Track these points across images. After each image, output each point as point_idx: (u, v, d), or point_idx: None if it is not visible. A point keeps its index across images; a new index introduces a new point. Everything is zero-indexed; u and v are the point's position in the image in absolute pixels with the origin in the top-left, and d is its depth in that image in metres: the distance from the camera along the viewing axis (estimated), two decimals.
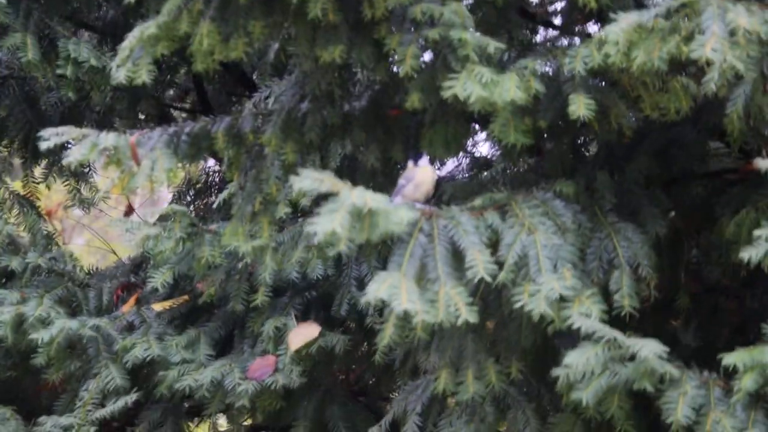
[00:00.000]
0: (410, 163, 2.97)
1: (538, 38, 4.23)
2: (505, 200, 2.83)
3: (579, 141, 3.56)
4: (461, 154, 4.98)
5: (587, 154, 3.56)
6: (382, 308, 2.52)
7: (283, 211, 3.18)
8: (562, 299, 2.62)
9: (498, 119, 2.74)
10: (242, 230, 3.21)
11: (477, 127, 3.94)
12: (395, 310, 2.45)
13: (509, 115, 2.73)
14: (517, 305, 2.62)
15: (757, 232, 2.47)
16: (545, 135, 3.26)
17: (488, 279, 2.58)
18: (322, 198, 2.44)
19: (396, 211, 2.45)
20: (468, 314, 2.51)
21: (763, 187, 3.01)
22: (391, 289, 2.47)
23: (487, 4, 3.10)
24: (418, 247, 2.62)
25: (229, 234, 3.24)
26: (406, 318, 2.52)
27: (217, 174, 6.01)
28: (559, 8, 4.52)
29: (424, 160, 2.94)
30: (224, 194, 3.89)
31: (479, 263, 2.59)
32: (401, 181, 2.95)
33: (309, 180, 2.45)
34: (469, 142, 5.13)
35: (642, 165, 3.19)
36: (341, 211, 2.38)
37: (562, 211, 2.81)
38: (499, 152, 4.61)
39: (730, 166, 3.60)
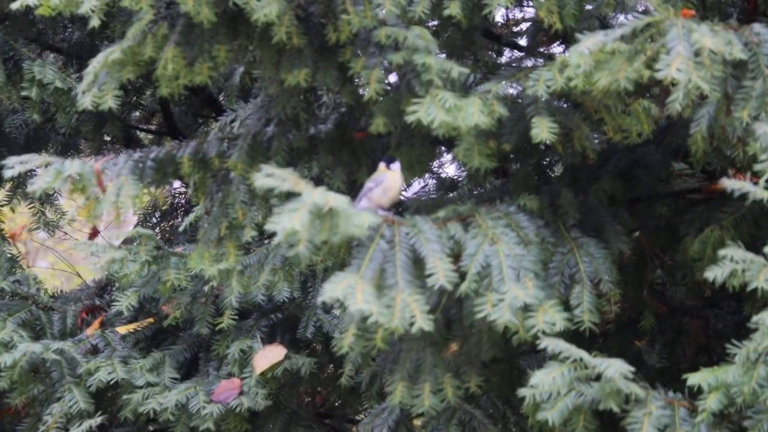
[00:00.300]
0: (381, 165, 2.94)
1: (504, 59, 4.26)
2: (469, 212, 2.83)
3: (544, 162, 3.58)
4: (427, 175, 4.99)
5: (552, 175, 3.58)
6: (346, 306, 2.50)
7: (249, 234, 3.17)
8: (527, 308, 2.62)
9: (462, 144, 2.74)
10: (208, 254, 3.21)
11: (443, 148, 3.96)
12: (350, 309, 2.44)
13: (473, 140, 2.74)
14: (480, 315, 2.62)
15: (722, 252, 2.48)
16: (510, 157, 3.28)
17: (448, 287, 2.57)
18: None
19: (357, 214, 2.45)
20: (423, 322, 2.51)
21: (726, 205, 3.03)
22: (347, 289, 2.46)
23: (452, 26, 3.12)
24: (378, 252, 2.61)
25: (196, 258, 3.24)
26: (365, 327, 2.52)
27: (182, 196, 6.00)
28: (524, 28, 4.56)
29: (396, 165, 2.92)
30: (190, 217, 3.89)
31: (440, 271, 2.59)
32: (369, 183, 2.93)
33: (271, 178, 2.44)
34: (435, 163, 5.15)
35: (606, 185, 3.21)
36: (302, 210, 2.38)
37: (525, 224, 2.81)
38: (465, 173, 4.63)
39: (693, 186, 3.63)
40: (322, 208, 2.39)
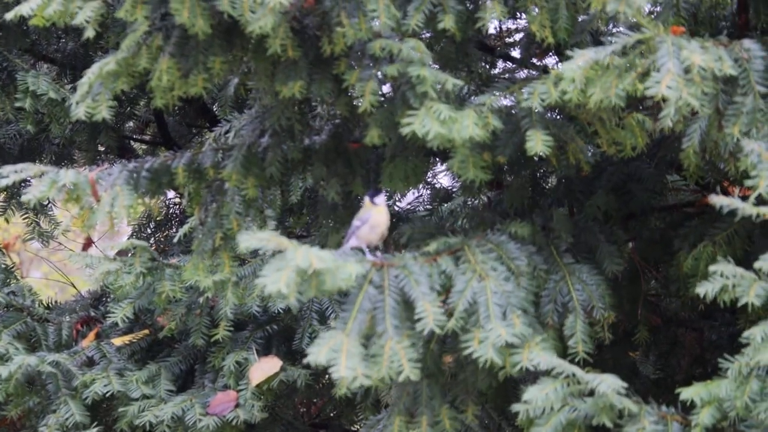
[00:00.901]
0: (366, 200, 2.96)
1: (498, 71, 4.27)
2: (459, 245, 2.85)
3: (538, 174, 3.59)
4: (421, 185, 5.00)
5: (547, 187, 3.59)
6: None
7: (245, 249, 3.17)
8: (511, 346, 2.63)
9: (457, 156, 2.75)
10: (203, 265, 3.21)
11: (437, 159, 3.97)
12: (334, 376, 2.46)
13: (468, 152, 2.74)
14: (467, 352, 2.63)
15: (712, 268, 2.49)
16: (505, 169, 3.28)
17: (438, 331, 2.59)
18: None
19: (344, 266, 2.46)
20: (410, 371, 2.53)
21: (719, 220, 3.04)
22: (330, 354, 2.48)
23: (446, 38, 3.12)
24: (366, 300, 2.62)
25: (190, 269, 3.24)
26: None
27: (177, 206, 6.00)
28: (518, 39, 4.57)
29: (381, 198, 2.93)
30: (185, 228, 3.89)
31: (429, 315, 2.60)
32: (355, 222, 2.94)
33: (255, 240, 2.46)
34: (430, 174, 5.15)
35: (600, 201, 3.22)
36: (287, 270, 2.39)
37: (516, 254, 2.83)
38: (459, 184, 4.63)
39: (687, 199, 3.64)
40: (306, 270, 2.40)
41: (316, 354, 2.47)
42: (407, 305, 2.65)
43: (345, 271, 2.45)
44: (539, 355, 2.62)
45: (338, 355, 2.48)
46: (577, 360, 2.79)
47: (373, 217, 2.89)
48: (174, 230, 5.83)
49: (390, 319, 2.60)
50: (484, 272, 2.73)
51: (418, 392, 2.96)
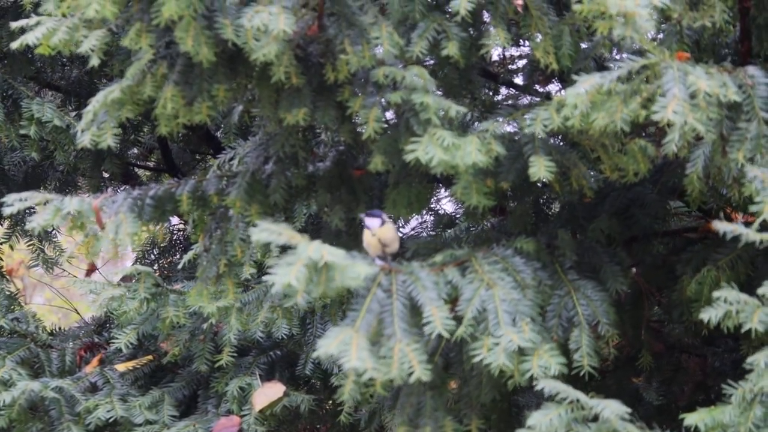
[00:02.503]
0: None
1: (501, 97, 4.29)
2: (466, 256, 2.85)
3: (541, 200, 3.60)
4: (425, 212, 5.01)
5: (550, 213, 3.60)
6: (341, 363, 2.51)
7: (248, 272, 3.19)
8: (521, 352, 2.63)
9: (460, 182, 2.76)
10: (207, 292, 3.22)
11: (441, 185, 3.98)
12: (344, 366, 2.45)
13: (471, 178, 2.75)
14: (476, 359, 2.63)
15: (716, 294, 2.49)
16: (508, 194, 3.29)
17: (445, 335, 2.58)
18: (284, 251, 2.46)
19: (353, 265, 2.45)
20: (421, 372, 2.52)
21: (722, 246, 3.04)
22: (341, 346, 2.46)
23: (450, 65, 3.14)
24: (375, 302, 2.62)
25: (194, 295, 3.24)
26: (361, 374, 2.53)
27: (181, 233, 6.01)
28: (520, 65, 4.59)
29: (372, 222, 2.90)
30: (189, 255, 3.89)
31: (436, 319, 2.60)
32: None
33: (267, 232, 2.45)
34: (433, 200, 5.17)
35: (603, 224, 3.23)
36: (297, 264, 2.38)
37: (522, 268, 2.83)
38: (462, 210, 4.65)
39: (690, 225, 3.65)
40: (317, 262, 2.40)
41: (326, 346, 2.45)
42: (415, 311, 2.64)
43: (354, 269, 2.44)
44: (549, 363, 2.61)
45: (348, 347, 2.46)
46: (582, 374, 2.79)
47: (364, 239, 2.89)
48: (178, 256, 5.84)
49: (398, 322, 2.59)
50: (492, 281, 2.74)
51: (421, 403, 2.96)
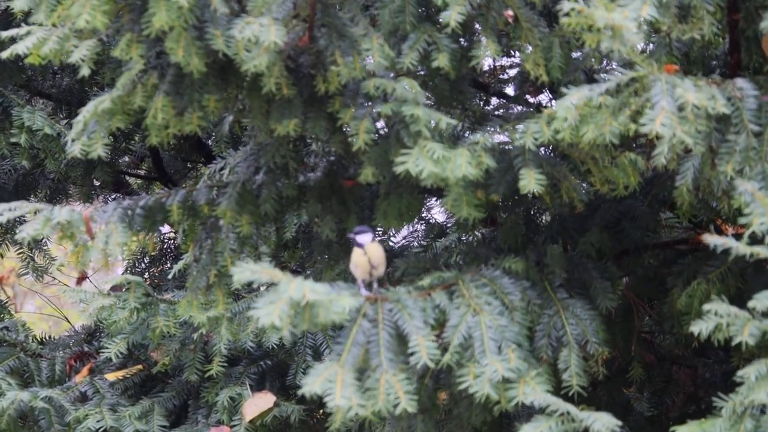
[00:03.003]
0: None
1: (491, 107, 4.29)
2: (453, 279, 2.85)
3: (532, 212, 3.60)
4: (416, 221, 5.00)
5: (540, 225, 3.59)
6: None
7: (238, 282, 3.18)
8: (507, 381, 2.63)
9: (450, 194, 2.76)
10: (197, 302, 3.21)
11: (431, 196, 3.97)
12: (329, 405, 2.45)
13: (461, 190, 2.75)
14: (463, 386, 2.64)
15: (706, 306, 2.49)
16: (499, 206, 3.29)
17: (431, 365, 2.60)
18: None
19: (337, 300, 2.46)
20: (407, 404, 2.52)
21: (713, 258, 3.04)
22: (325, 384, 2.47)
23: (440, 77, 3.14)
24: (360, 334, 2.63)
25: (185, 305, 3.24)
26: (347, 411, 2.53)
27: (172, 242, 6.00)
28: (511, 75, 4.59)
29: (363, 238, 2.88)
30: (180, 264, 3.89)
31: (422, 349, 2.61)
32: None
33: (248, 272, 2.46)
34: (424, 209, 5.17)
35: (594, 238, 3.23)
36: (279, 303, 2.39)
37: (510, 289, 2.83)
38: (453, 220, 4.64)
39: (680, 237, 3.65)
40: (299, 302, 2.40)
41: (311, 384, 2.47)
42: (401, 339, 2.65)
43: (339, 304, 2.46)
44: (535, 390, 2.62)
45: (333, 384, 2.48)
46: (571, 394, 2.79)
47: (353, 258, 2.86)
48: (168, 265, 5.83)
49: (384, 352, 2.60)
50: (479, 307, 2.74)
51: (413, 427, 2.96)
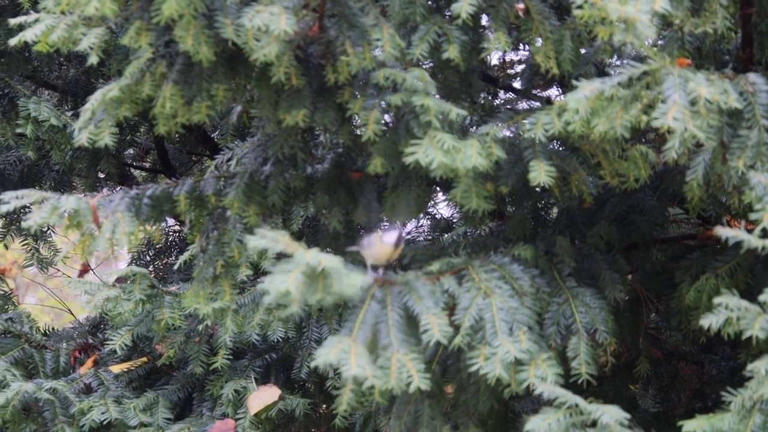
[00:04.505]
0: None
1: (500, 101, 4.28)
2: (462, 265, 2.84)
3: (540, 205, 3.58)
4: (422, 216, 4.99)
5: (548, 218, 3.58)
6: (340, 372, 2.50)
7: (244, 273, 3.17)
8: (518, 362, 2.62)
9: (460, 185, 2.75)
10: (203, 293, 3.19)
11: (439, 189, 3.96)
12: (344, 375, 2.44)
13: (471, 182, 2.74)
14: (473, 369, 2.62)
15: (716, 300, 2.47)
16: (507, 199, 3.28)
17: (444, 342, 2.58)
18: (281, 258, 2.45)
19: (350, 274, 2.46)
20: (420, 381, 2.52)
21: (722, 253, 3.03)
22: (341, 354, 2.47)
23: (450, 69, 3.12)
24: (369, 314, 2.62)
25: (190, 297, 3.22)
26: (361, 383, 2.52)
27: (177, 234, 5.99)
28: (520, 70, 4.58)
29: (390, 235, 2.87)
30: (185, 256, 3.88)
31: (434, 326, 2.60)
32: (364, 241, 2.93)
33: (265, 239, 2.45)
34: (430, 204, 5.15)
35: (602, 231, 3.22)
36: (296, 271, 2.38)
37: (520, 275, 2.82)
38: (460, 215, 4.63)
39: (689, 232, 3.63)
40: (315, 268, 2.39)
41: (326, 355, 2.45)
42: (411, 320, 2.64)
43: (351, 278, 2.45)
44: (546, 373, 2.61)
45: (348, 355, 2.47)
46: (580, 382, 2.78)
47: (375, 250, 2.84)
48: (173, 258, 5.82)
49: (395, 332, 2.60)
50: (489, 289, 2.73)
51: (419, 412, 2.95)
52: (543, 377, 2.61)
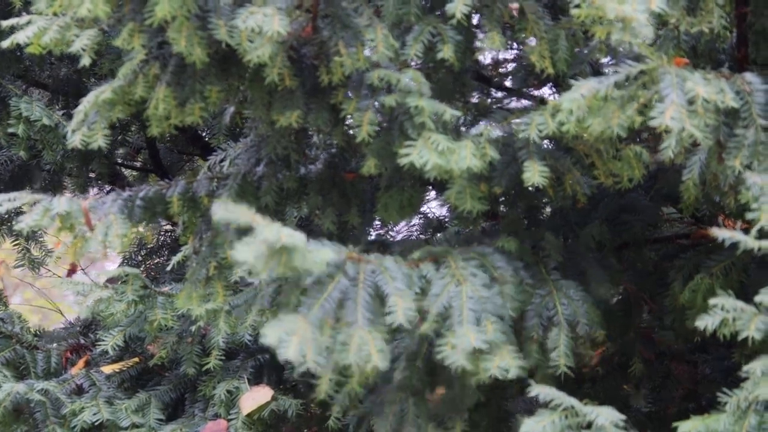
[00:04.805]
0: None
1: (494, 100, 4.28)
2: (443, 253, 2.82)
3: (533, 204, 3.58)
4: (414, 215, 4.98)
5: (542, 218, 3.58)
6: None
7: (237, 274, 3.16)
8: (481, 352, 2.59)
9: (454, 187, 2.74)
10: (196, 294, 3.19)
11: (432, 188, 3.96)
12: (281, 356, 2.39)
13: (465, 183, 2.73)
14: (439, 356, 2.59)
15: (712, 301, 2.47)
16: (501, 200, 3.27)
17: (407, 325, 2.53)
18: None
19: (318, 251, 2.42)
20: (379, 360, 2.47)
21: (715, 252, 3.03)
22: (282, 335, 2.38)
23: (445, 69, 3.12)
24: (337, 290, 2.57)
25: (183, 298, 3.21)
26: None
27: (168, 234, 5.97)
28: (514, 69, 4.58)
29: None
30: (178, 257, 3.86)
31: (399, 309, 2.55)
32: None
33: (226, 212, 2.40)
34: (423, 203, 5.15)
35: (594, 231, 3.21)
36: (256, 244, 2.34)
37: (501, 264, 2.80)
38: (452, 214, 4.63)
39: (683, 231, 3.64)
40: (274, 244, 2.37)
41: (268, 335, 2.38)
42: (381, 301, 2.59)
43: (318, 254, 2.40)
44: (510, 364, 2.58)
45: (290, 338, 2.39)
46: (558, 373, 2.77)
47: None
48: (165, 258, 5.81)
49: (362, 310, 2.54)
50: (463, 277, 2.70)
51: (404, 411, 2.93)
52: (506, 369, 2.58)
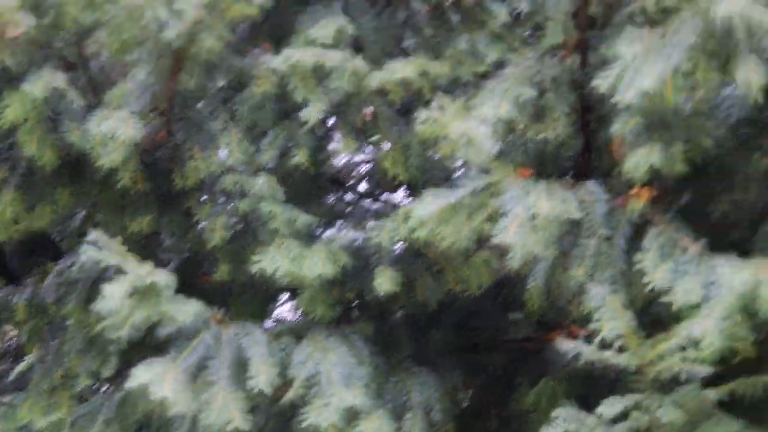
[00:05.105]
0: None
1: (348, 203, 4.30)
2: (304, 327, 2.83)
3: (386, 309, 3.60)
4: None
5: (393, 321, 3.59)
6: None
7: (84, 383, 3.08)
8: (355, 415, 2.60)
9: (306, 293, 2.75)
10: (39, 406, 3.09)
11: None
12: (153, 395, 2.39)
13: (317, 289, 2.74)
14: (306, 423, 2.59)
15: (555, 413, 2.50)
16: (353, 305, 3.28)
17: (267, 391, 2.55)
18: None
19: (184, 300, 2.46)
20: (240, 422, 2.47)
21: (560, 358, 3.07)
22: (156, 376, 2.42)
23: (301, 172, 3.14)
24: (202, 345, 2.58)
25: (26, 409, 3.11)
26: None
27: (13, 340, 5.78)
28: (367, 173, 4.62)
29: None
30: (22, 366, 3.75)
31: (262, 374, 2.57)
32: None
33: (99, 254, 2.44)
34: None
35: (445, 335, 3.24)
36: (124, 284, 2.37)
37: (360, 344, 2.83)
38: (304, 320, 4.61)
39: (529, 335, 3.68)
40: (143, 282, 2.35)
41: (140, 376, 2.40)
42: (244, 364, 2.61)
43: (186, 304, 2.47)
44: (382, 426, 2.58)
45: (162, 378, 2.42)
46: None
47: None
48: (8, 364, 5.60)
49: (224, 370, 2.56)
50: (327, 346, 2.71)
51: None
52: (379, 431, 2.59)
